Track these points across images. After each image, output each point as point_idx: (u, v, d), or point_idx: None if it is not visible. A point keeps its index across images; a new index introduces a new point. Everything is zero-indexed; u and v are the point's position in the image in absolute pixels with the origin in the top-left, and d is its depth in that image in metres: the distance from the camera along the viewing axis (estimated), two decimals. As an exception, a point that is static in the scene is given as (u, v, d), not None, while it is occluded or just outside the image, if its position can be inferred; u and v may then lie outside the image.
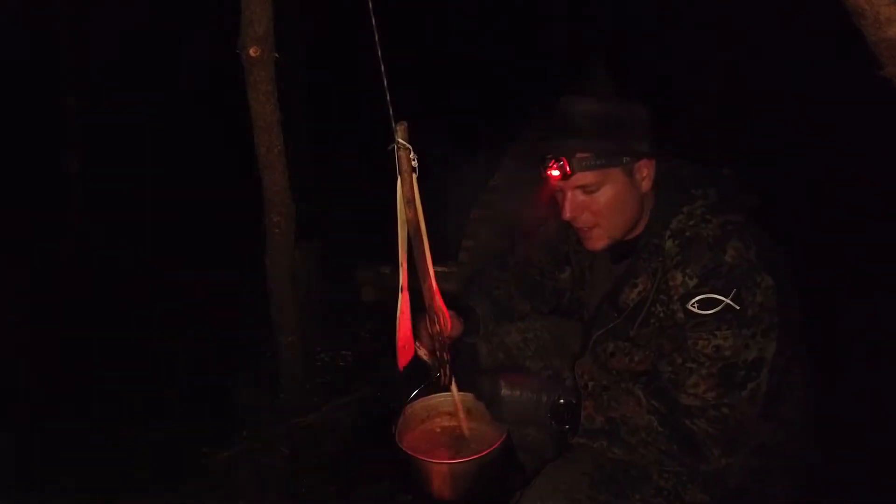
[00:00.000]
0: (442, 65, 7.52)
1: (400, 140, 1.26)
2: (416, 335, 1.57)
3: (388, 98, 1.29)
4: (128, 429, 2.55)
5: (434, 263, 1.44)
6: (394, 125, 1.27)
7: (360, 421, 2.62)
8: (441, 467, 1.47)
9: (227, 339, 3.16)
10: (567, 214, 1.43)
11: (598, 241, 1.47)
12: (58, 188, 4.95)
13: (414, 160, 1.28)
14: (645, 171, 1.40)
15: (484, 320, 1.74)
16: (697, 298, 1.29)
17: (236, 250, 3.08)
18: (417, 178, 1.31)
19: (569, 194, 1.42)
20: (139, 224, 4.79)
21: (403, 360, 1.57)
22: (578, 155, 1.36)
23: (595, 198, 1.40)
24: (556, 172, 1.37)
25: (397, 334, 1.52)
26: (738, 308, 1.27)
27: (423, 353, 1.58)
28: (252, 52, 2.07)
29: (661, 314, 1.37)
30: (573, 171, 1.37)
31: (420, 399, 1.64)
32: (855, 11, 1.12)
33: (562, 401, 1.39)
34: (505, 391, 1.41)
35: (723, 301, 1.27)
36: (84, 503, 2.21)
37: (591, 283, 1.68)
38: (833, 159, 4.52)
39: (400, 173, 1.30)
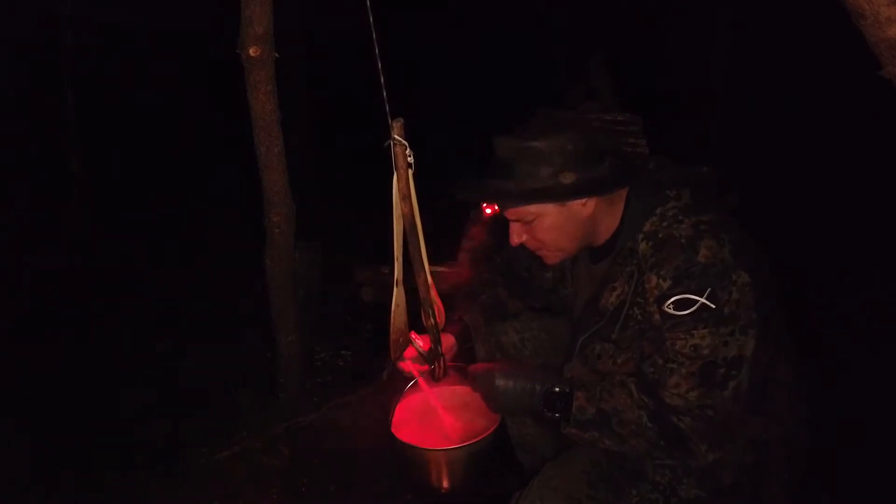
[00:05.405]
0: (441, 64, 7.52)
1: (396, 136, 1.28)
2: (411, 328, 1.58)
3: (385, 95, 1.30)
4: (128, 429, 2.54)
5: (432, 264, 1.46)
6: (390, 122, 1.28)
7: (360, 421, 2.61)
8: (436, 454, 1.50)
9: (227, 339, 3.16)
10: (513, 242, 1.49)
11: (551, 259, 1.53)
12: (58, 187, 4.95)
13: (410, 156, 1.30)
14: (580, 201, 1.42)
15: (473, 326, 1.77)
16: (673, 299, 1.30)
17: (236, 250, 3.07)
18: (414, 175, 1.33)
19: (510, 224, 1.48)
20: (139, 223, 4.79)
21: (397, 353, 1.59)
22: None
23: (534, 227, 1.45)
24: (487, 210, 1.42)
25: (391, 327, 1.54)
26: (713, 307, 1.27)
27: (417, 345, 1.59)
28: (252, 51, 2.07)
29: (639, 317, 1.38)
30: (502, 210, 1.42)
31: (415, 391, 1.67)
32: (855, 11, 1.11)
33: (556, 389, 1.40)
34: (500, 381, 1.43)
35: (698, 301, 1.28)
36: (84, 503, 2.21)
37: (573, 283, 1.69)
38: (832, 159, 4.53)
39: (396, 169, 1.32)
